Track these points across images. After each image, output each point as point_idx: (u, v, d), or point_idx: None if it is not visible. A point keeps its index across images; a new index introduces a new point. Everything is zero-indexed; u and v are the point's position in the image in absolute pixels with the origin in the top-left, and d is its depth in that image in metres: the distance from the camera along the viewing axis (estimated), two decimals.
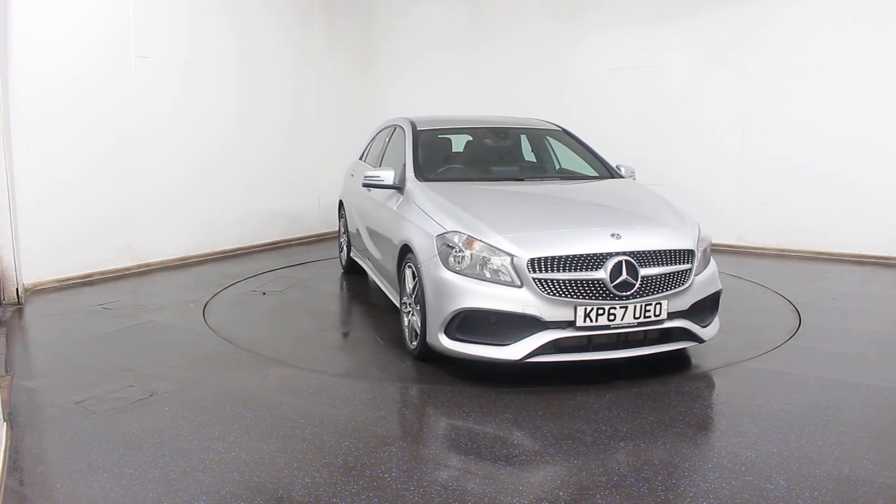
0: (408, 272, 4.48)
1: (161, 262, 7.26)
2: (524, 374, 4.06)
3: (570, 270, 3.84)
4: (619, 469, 3.03)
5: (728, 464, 3.06)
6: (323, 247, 8.59)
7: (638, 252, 3.92)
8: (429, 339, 4.13)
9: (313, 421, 3.51)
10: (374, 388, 4.09)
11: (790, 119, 7.70)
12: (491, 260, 3.92)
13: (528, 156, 6.01)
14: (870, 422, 3.50)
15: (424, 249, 4.22)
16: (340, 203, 7.14)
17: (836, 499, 2.77)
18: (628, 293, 3.86)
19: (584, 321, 3.83)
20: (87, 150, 6.56)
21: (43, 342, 5.00)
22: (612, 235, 3.96)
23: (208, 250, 7.80)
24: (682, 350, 4.39)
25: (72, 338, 4.97)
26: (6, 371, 4.26)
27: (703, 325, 4.24)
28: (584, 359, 3.95)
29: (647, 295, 3.91)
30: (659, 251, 3.98)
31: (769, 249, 7.95)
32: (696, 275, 4.13)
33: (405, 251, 4.54)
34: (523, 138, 6.06)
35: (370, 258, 5.87)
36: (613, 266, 3.84)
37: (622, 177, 5.40)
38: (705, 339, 4.24)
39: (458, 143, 6.08)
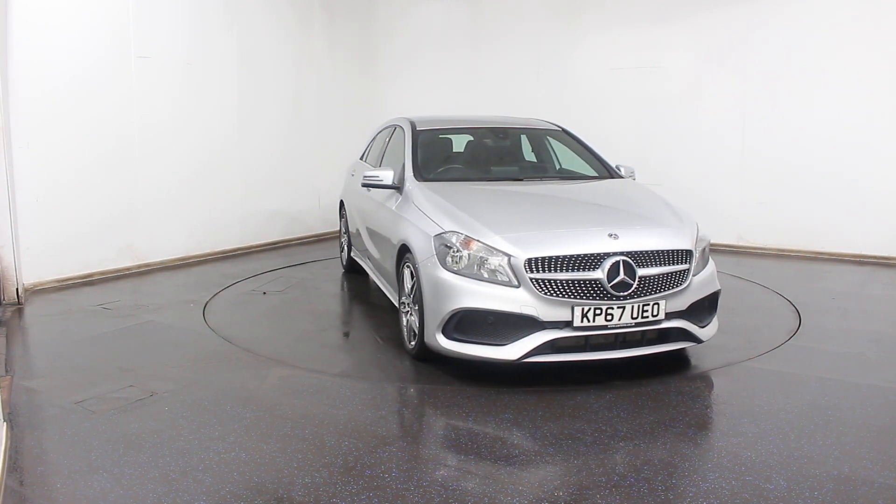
0: (406, 272, 4.48)
1: (161, 262, 7.26)
2: (524, 374, 4.06)
3: (567, 270, 3.84)
4: (619, 469, 3.03)
5: (728, 464, 3.06)
6: (323, 247, 8.59)
7: (635, 252, 3.92)
8: (427, 338, 4.13)
9: (313, 421, 3.51)
10: (374, 388, 4.09)
11: (790, 119, 7.70)
12: (488, 260, 3.92)
13: (529, 156, 6.01)
14: (870, 422, 3.50)
15: (422, 249, 4.23)
16: (341, 203, 7.14)
17: (836, 499, 2.77)
18: (626, 293, 3.85)
19: (582, 321, 3.83)
20: (87, 150, 6.56)
21: (43, 342, 5.00)
22: (610, 235, 3.96)
23: (208, 250, 7.80)
24: (682, 350, 4.39)
25: (72, 338, 4.97)
26: (6, 371, 4.26)
27: (702, 325, 4.23)
28: (582, 359, 3.95)
29: (645, 295, 3.91)
30: (657, 251, 3.98)
31: (769, 249, 7.95)
32: (694, 275, 4.13)
33: (403, 251, 4.54)
34: (523, 138, 6.06)
35: (370, 258, 5.88)
36: (611, 266, 3.84)
37: (622, 177, 5.39)
38: (703, 339, 4.24)
39: (458, 144, 6.09)
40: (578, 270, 3.84)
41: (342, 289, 6.65)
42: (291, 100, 8.86)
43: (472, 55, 9.56)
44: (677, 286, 4.02)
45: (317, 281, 6.83)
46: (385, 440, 3.32)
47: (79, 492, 2.86)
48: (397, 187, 5.06)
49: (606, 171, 5.44)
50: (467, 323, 3.94)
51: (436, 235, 4.16)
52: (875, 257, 7.37)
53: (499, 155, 5.84)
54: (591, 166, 5.54)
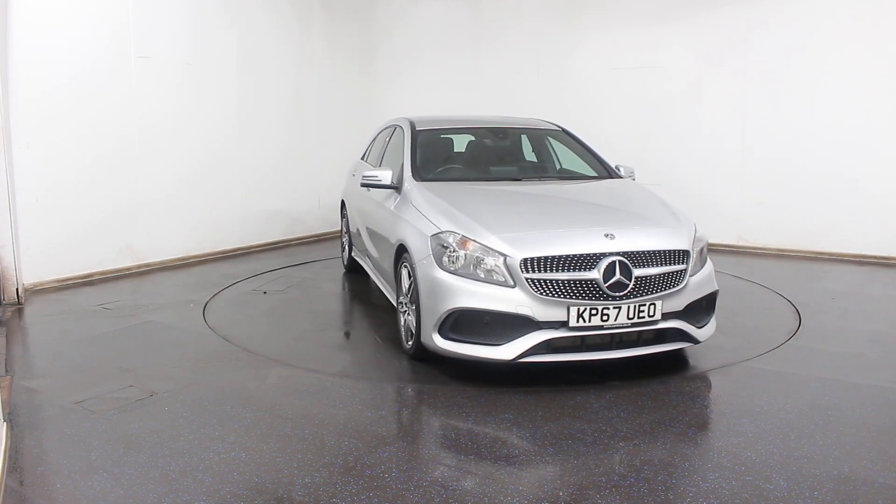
0: (404, 272, 4.49)
1: (161, 262, 7.26)
2: (523, 374, 4.06)
3: (563, 270, 3.84)
4: (618, 469, 3.03)
5: (728, 464, 3.06)
6: (323, 247, 8.59)
7: (632, 252, 3.91)
8: (423, 338, 4.13)
9: (313, 421, 3.51)
10: (374, 387, 4.09)
11: (790, 119, 7.70)
12: (485, 260, 3.92)
13: (529, 156, 6.00)
14: (870, 422, 3.50)
15: (419, 249, 4.23)
16: (342, 203, 7.15)
17: (836, 499, 2.77)
18: (622, 293, 3.85)
19: (577, 321, 3.83)
20: (87, 150, 6.56)
21: (43, 342, 5.00)
22: (606, 236, 3.95)
23: (208, 250, 7.80)
24: (682, 350, 4.39)
25: (72, 338, 4.97)
26: (6, 371, 4.26)
27: (699, 325, 4.22)
28: (578, 359, 3.94)
29: (641, 295, 3.90)
30: (653, 251, 3.97)
31: (769, 249, 7.95)
32: (691, 275, 4.11)
33: (401, 251, 4.54)
34: (524, 138, 6.06)
35: (369, 258, 5.88)
36: (607, 266, 3.83)
37: (621, 177, 5.39)
38: (700, 339, 4.23)
39: (458, 144, 6.08)
40: (574, 270, 3.84)
41: (343, 288, 6.65)
42: (291, 100, 8.86)
43: (472, 55, 9.56)
44: (674, 286, 4.01)
45: (317, 281, 6.83)
46: (385, 440, 3.32)
47: (79, 492, 2.86)
48: (396, 187, 5.06)
49: (606, 172, 5.44)
50: (463, 323, 3.94)
51: (432, 235, 4.16)
52: (875, 257, 7.37)
53: (498, 155, 5.84)
54: (590, 166, 5.54)
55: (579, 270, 3.84)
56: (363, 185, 5.26)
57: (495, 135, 5.95)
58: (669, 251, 4.02)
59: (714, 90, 8.11)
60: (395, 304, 4.87)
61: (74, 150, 6.45)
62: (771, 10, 7.72)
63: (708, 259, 4.42)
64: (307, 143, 9.09)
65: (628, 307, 3.87)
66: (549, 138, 5.97)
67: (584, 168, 5.56)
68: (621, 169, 5.46)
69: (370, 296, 6.16)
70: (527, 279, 3.83)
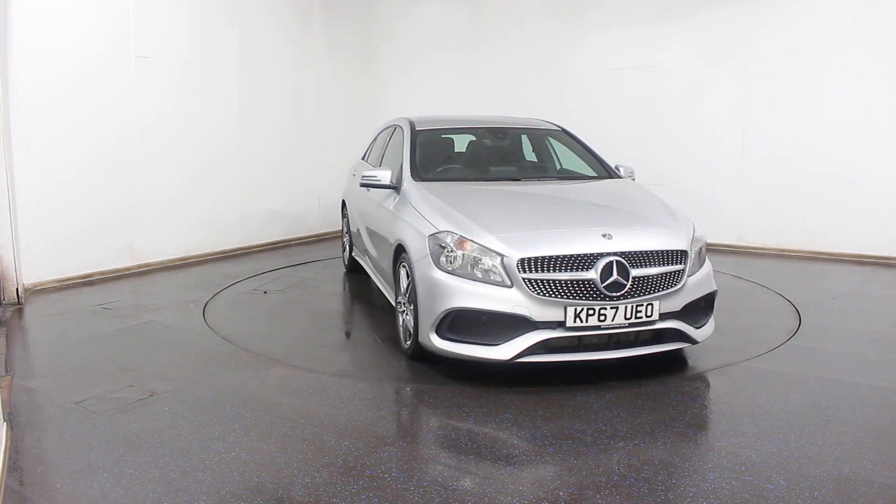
0: (402, 272, 4.49)
1: (161, 262, 7.26)
2: (523, 374, 4.06)
3: (560, 270, 3.83)
4: (618, 469, 3.03)
5: (728, 464, 3.06)
6: (323, 247, 8.59)
7: (629, 252, 3.91)
8: (420, 338, 4.13)
9: (313, 421, 3.51)
10: (374, 387, 4.09)
11: (790, 119, 7.70)
12: (482, 260, 3.92)
13: (529, 156, 6.00)
14: (870, 422, 3.50)
15: (417, 249, 4.23)
16: (343, 203, 7.15)
17: (836, 499, 2.77)
18: (619, 294, 3.84)
19: (574, 322, 3.82)
20: (87, 150, 6.56)
21: (43, 342, 5.00)
22: (604, 236, 3.95)
23: (208, 250, 7.80)
24: (682, 350, 4.39)
25: (72, 338, 4.97)
26: (6, 371, 4.26)
27: (697, 326, 4.22)
28: (575, 359, 3.94)
29: (639, 295, 3.90)
30: (651, 251, 3.97)
31: (769, 249, 7.95)
32: (689, 275, 4.11)
33: (400, 251, 4.55)
34: (524, 138, 6.06)
35: (369, 257, 5.88)
36: (604, 266, 3.83)
37: (620, 177, 5.39)
38: (698, 340, 4.22)
39: (457, 144, 6.08)
40: (571, 270, 3.84)
41: (343, 288, 6.65)
42: (291, 100, 8.86)
43: (472, 55, 9.56)
44: (672, 287, 4.00)
45: (318, 280, 6.83)
46: (385, 440, 3.32)
47: (79, 492, 2.86)
48: (395, 187, 5.07)
49: (605, 172, 5.43)
50: (460, 323, 3.94)
51: (430, 235, 4.16)
52: (875, 257, 7.37)
53: (498, 155, 5.83)
54: (590, 166, 5.54)
55: (576, 270, 3.84)
56: (362, 184, 5.27)
57: (495, 135, 5.95)
58: (667, 251, 4.02)
59: (714, 90, 8.11)
60: (394, 304, 4.87)
61: (74, 150, 6.45)
62: (771, 10, 7.72)
63: (707, 259, 4.41)
64: (307, 143, 9.09)
65: (625, 307, 3.86)
66: (550, 138, 5.97)
67: (583, 168, 5.56)
68: (621, 169, 5.46)
69: (371, 296, 6.15)
70: (524, 279, 3.83)
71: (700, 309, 4.24)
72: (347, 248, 7.00)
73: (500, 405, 3.71)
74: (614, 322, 3.87)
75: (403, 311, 4.49)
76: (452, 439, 3.44)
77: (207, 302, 5.88)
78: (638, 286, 3.89)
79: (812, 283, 6.56)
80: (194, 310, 5.65)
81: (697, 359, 4.42)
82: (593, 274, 3.82)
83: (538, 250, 3.86)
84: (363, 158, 6.98)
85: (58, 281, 6.39)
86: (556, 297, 3.82)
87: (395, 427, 3.59)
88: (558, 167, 5.84)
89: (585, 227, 4.14)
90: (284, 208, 8.82)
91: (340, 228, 7.40)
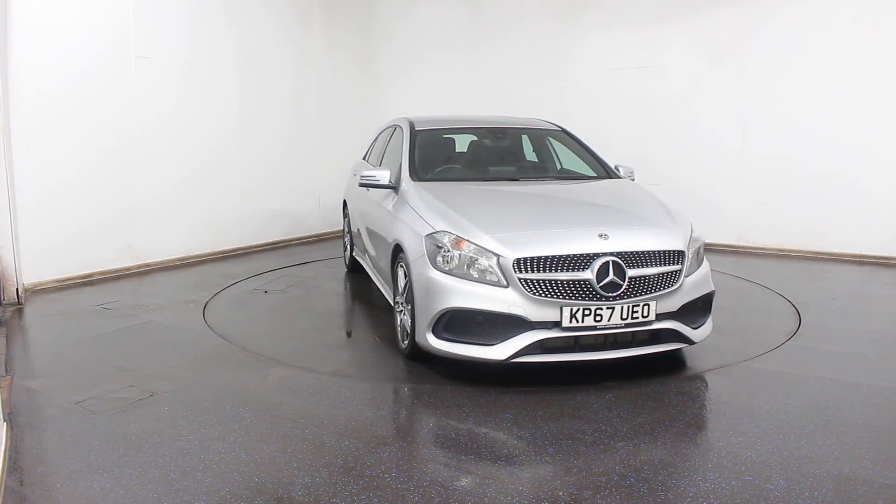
0: (400, 271, 4.49)
1: (161, 262, 7.26)
2: (523, 374, 4.06)
3: (556, 271, 3.83)
4: (619, 469, 3.03)
5: (728, 464, 3.06)
6: (323, 247, 8.59)
7: (625, 252, 3.90)
8: (417, 338, 4.13)
9: (313, 421, 3.51)
10: (374, 388, 4.09)
11: (790, 119, 7.70)
12: (478, 260, 3.92)
13: (530, 156, 6.00)
14: (870, 422, 3.50)
15: (414, 249, 4.23)
16: (345, 203, 7.16)
17: (836, 499, 2.77)
18: (615, 294, 3.84)
19: (570, 322, 3.82)
20: (87, 150, 6.56)
21: (43, 342, 5.00)
22: (600, 236, 3.94)
23: (208, 250, 7.80)
24: (681, 350, 4.39)
25: (72, 338, 4.97)
26: (6, 371, 4.26)
27: (694, 326, 4.21)
28: (571, 359, 3.93)
29: (635, 296, 3.89)
30: (647, 252, 3.96)
31: (769, 249, 7.95)
32: (686, 276, 4.10)
33: (397, 250, 4.55)
34: (524, 138, 6.06)
35: (369, 257, 5.89)
36: (600, 266, 3.83)
37: (620, 177, 5.38)
38: (696, 340, 4.21)
39: (457, 144, 6.08)
40: (567, 271, 3.83)
41: (344, 288, 6.65)
42: (291, 100, 8.86)
43: (472, 55, 9.56)
44: (668, 287, 4.00)
45: (318, 280, 6.83)
46: (385, 440, 3.32)
47: (79, 492, 2.86)
48: (394, 187, 5.07)
49: (605, 172, 5.43)
50: (457, 323, 3.94)
51: (427, 235, 4.16)
52: (875, 257, 7.37)
53: (498, 155, 5.83)
54: (589, 166, 5.54)
55: (572, 271, 3.83)
56: (361, 184, 5.27)
57: (495, 135, 5.95)
58: (664, 251, 4.01)
59: (714, 90, 8.11)
60: (392, 304, 4.87)
61: (74, 150, 6.45)
62: (771, 10, 7.72)
63: (705, 259, 4.41)
64: (307, 143, 9.09)
65: (622, 308, 3.86)
66: (550, 138, 5.97)
67: (583, 168, 5.56)
68: (621, 169, 5.45)
69: (371, 295, 6.15)
70: (520, 279, 3.82)
71: (697, 309, 4.24)
72: (348, 247, 7.00)
73: (500, 405, 3.71)
74: (610, 322, 3.86)
75: (401, 310, 4.50)
76: (452, 439, 3.43)
77: (207, 302, 5.88)
78: (634, 286, 3.89)
79: (812, 283, 6.56)
80: (194, 310, 5.65)
81: (697, 359, 4.42)
82: (589, 274, 3.82)
83: (534, 250, 3.85)
84: (364, 158, 6.99)
85: (58, 281, 6.39)
86: (552, 297, 3.82)
87: (395, 427, 3.59)
88: (559, 167, 5.84)
89: (582, 227, 4.14)
90: (284, 208, 8.82)
91: (341, 228, 7.40)
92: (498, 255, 3.89)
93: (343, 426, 3.46)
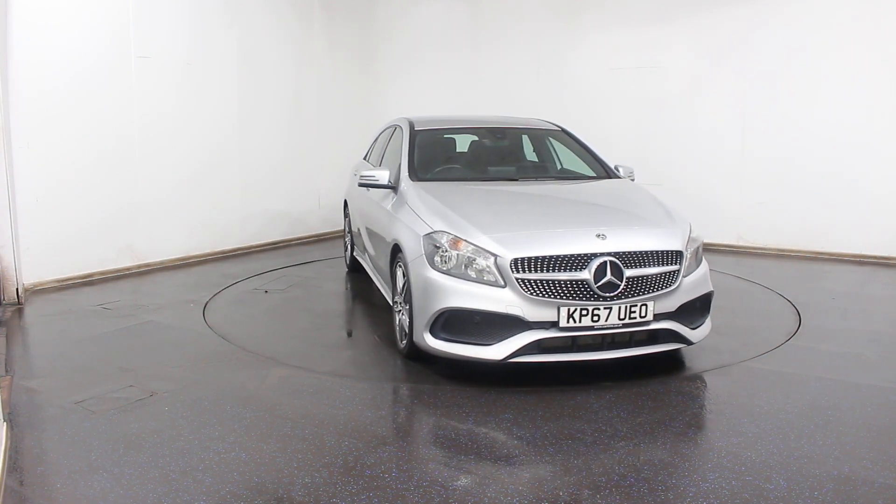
0: (398, 271, 4.49)
1: (161, 262, 7.26)
2: (523, 374, 4.06)
3: (553, 271, 3.83)
4: (619, 469, 3.03)
5: (728, 464, 3.06)
6: (323, 247, 8.59)
7: (623, 253, 3.89)
8: (415, 337, 4.13)
9: (313, 421, 3.51)
10: (374, 387, 4.09)
11: (790, 119, 7.70)
12: (476, 260, 3.92)
13: (530, 156, 6.00)
14: (870, 422, 3.50)
15: (412, 249, 4.24)
16: (345, 202, 7.16)
17: (836, 499, 2.77)
18: (613, 294, 3.84)
19: (568, 322, 3.82)
20: (87, 150, 6.56)
21: (43, 342, 5.00)
22: (598, 236, 3.94)
23: (208, 250, 7.80)
24: (681, 350, 4.39)
25: (72, 338, 4.97)
26: (6, 371, 4.26)
27: (693, 326, 4.20)
28: (569, 359, 3.93)
29: (633, 296, 3.89)
30: (645, 252, 3.95)
31: (769, 249, 7.95)
32: (685, 276, 4.10)
33: (396, 250, 4.55)
34: (525, 139, 6.06)
35: (369, 257, 5.89)
36: (598, 267, 3.82)
37: (619, 177, 5.38)
38: (694, 341, 4.20)
39: (457, 144, 6.08)
40: (565, 271, 3.83)
41: (345, 288, 6.65)
42: (291, 100, 8.86)
43: (472, 55, 9.56)
44: (666, 287, 3.99)
45: (319, 280, 6.83)
46: (385, 440, 3.32)
47: (79, 492, 2.86)
48: (393, 187, 5.07)
49: (604, 172, 5.43)
50: (454, 322, 3.94)
51: (425, 235, 4.16)
52: (875, 257, 7.37)
53: (498, 155, 5.83)
54: (589, 167, 5.53)
55: (570, 271, 3.83)
56: (361, 184, 5.28)
57: (495, 135, 5.95)
58: (662, 251, 4.01)
59: (714, 90, 8.11)
60: (391, 304, 4.87)
61: (74, 150, 6.45)
62: (771, 10, 7.72)
63: (703, 259, 4.40)
64: (307, 143, 9.09)
65: (619, 308, 3.85)
66: (550, 138, 5.97)
67: (583, 168, 5.56)
68: (620, 169, 5.45)
69: (371, 295, 6.15)
70: (517, 279, 3.82)
71: (696, 309, 4.23)
72: (349, 247, 7.01)
73: (500, 405, 3.71)
74: (608, 322, 3.86)
75: (399, 310, 4.50)
76: (452, 439, 3.43)
77: (207, 302, 5.88)
78: (632, 286, 3.89)
79: (812, 283, 6.57)
80: (194, 310, 5.65)
81: (697, 359, 4.42)
82: (587, 274, 3.82)
83: (531, 250, 3.85)
84: (365, 158, 6.99)
85: (58, 281, 6.39)
86: (549, 297, 3.81)
87: (395, 427, 3.59)
88: (559, 167, 5.84)
89: (580, 227, 4.13)
90: (284, 208, 8.82)
91: (342, 228, 7.40)
92: (495, 255, 3.89)
93: (343, 426, 3.46)
